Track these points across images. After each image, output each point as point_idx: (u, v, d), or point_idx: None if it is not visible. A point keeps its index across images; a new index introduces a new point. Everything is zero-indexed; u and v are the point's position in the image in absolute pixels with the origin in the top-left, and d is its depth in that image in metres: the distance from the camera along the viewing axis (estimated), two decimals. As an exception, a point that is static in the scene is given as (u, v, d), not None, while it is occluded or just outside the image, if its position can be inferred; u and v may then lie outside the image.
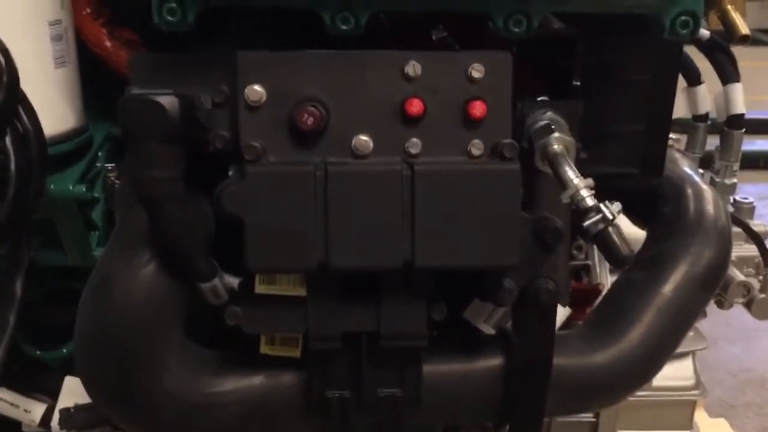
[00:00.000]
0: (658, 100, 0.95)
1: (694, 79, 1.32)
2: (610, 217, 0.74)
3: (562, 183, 0.77)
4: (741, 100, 1.33)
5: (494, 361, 0.91)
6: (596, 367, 0.92)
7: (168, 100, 0.73)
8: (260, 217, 0.76)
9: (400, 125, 0.81)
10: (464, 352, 0.91)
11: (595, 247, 1.39)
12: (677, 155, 1.14)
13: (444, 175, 0.77)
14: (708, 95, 1.35)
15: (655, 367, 0.95)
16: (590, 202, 0.75)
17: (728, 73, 1.31)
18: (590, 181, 0.76)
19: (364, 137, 0.80)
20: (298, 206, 0.76)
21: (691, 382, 1.36)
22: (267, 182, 0.76)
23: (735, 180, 1.38)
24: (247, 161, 0.76)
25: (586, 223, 0.74)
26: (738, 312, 1.33)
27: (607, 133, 0.96)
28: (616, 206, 0.75)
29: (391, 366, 0.86)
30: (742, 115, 1.33)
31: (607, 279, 1.36)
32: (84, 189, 0.92)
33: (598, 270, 1.34)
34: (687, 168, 1.10)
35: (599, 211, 0.74)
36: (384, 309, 0.82)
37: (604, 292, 1.29)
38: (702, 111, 1.36)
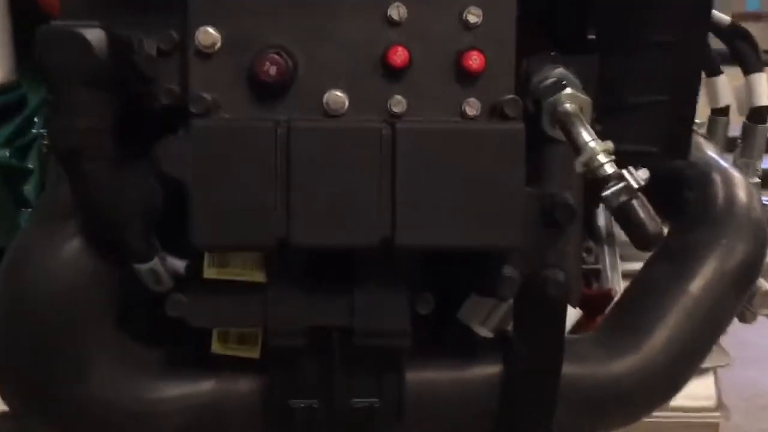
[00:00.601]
0: (685, 65, 0.82)
1: (714, 69, 1.21)
2: (635, 186, 0.61)
3: (576, 147, 0.63)
4: (765, 91, 1.21)
5: (492, 369, 0.77)
6: (613, 378, 0.78)
7: (94, 35, 0.59)
8: (208, 183, 0.62)
9: (381, 79, 0.67)
10: (456, 357, 0.78)
11: (606, 249, 1.27)
12: (700, 139, 1.02)
13: (432, 135, 0.63)
14: (728, 86, 1.24)
15: (683, 378, 0.81)
16: (610, 168, 0.61)
17: (750, 62, 1.19)
18: (609, 145, 0.63)
19: (337, 93, 0.67)
20: (255, 170, 0.62)
21: (712, 402, 1.22)
22: (217, 139, 0.62)
23: (757, 180, 1.25)
24: (194, 115, 0.63)
25: (606, 193, 0.61)
26: (751, 329, 1.21)
27: (624, 105, 0.82)
28: (642, 173, 0.62)
29: (367, 370, 0.72)
30: (767, 107, 1.21)
31: (619, 284, 1.25)
32: (8, 154, 0.78)
33: (609, 274, 1.23)
34: (712, 153, 0.97)
35: (621, 178, 0.61)
36: (358, 299, 0.68)
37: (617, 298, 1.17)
38: (722, 104, 1.25)
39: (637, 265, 1.33)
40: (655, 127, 0.83)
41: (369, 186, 0.63)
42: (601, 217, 1.25)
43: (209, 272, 0.68)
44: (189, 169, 0.62)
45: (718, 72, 1.22)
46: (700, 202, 0.89)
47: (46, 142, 0.80)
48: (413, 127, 0.63)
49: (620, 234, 1.29)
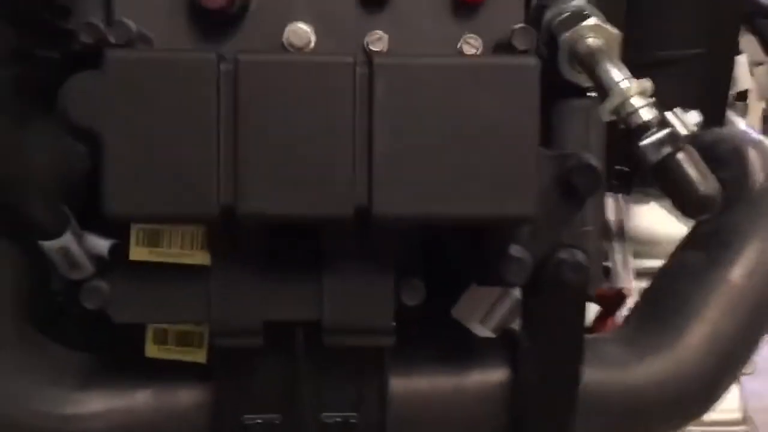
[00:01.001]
0: (722, 15, 0.69)
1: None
2: (683, 134, 0.47)
3: (603, 89, 0.50)
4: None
5: (495, 375, 0.63)
6: (642, 384, 0.63)
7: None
8: (127, 133, 0.48)
9: (356, 11, 0.54)
10: (451, 360, 0.63)
11: (615, 244, 1.15)
12: (730, 114, 0.89)
13: (420, 72, 0.49)
14: (748, 69, 1.12)
15: (724, 383, 0.67)
16: (648, 113, 0.48)
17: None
18: (647, 84, 0.49)
19: (301, 26, 0.53)
20: (191, 117, 0.48)
21: (738, 415, 1.10)
22: (140, 76, 0.48)
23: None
24: (111, 45, 0.49)
25: (644, 143, 0.47)
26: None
27: (653, 61, 0.69)
28: (692, 117, 0.48)
29: (341, 377, 0.58)
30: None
31: (631, 284, 1.12)
32: None
33: (620, 272, 1.11)
34: (743, 125, 0.84)
35: (664, 124, 0.47)
36: (328, 287, 0.54)
37: (632, 299, 1.05)
38: (741, 87, 1.13)
39: (652, 263, 1.20)
40: (689, 87, 0.71)
41: (339, 139, 0.49)
42: (611, 206, 1.13)
43: (137, 253, 0.53)
44: (101, 116, 0.47)
45: (737, 52, 1.11)
46: (736, 179, 0.76)
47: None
48: (396, 62, 0.49)
49: (633, 228, 1.17)
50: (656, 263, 1.24)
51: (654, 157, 0.47)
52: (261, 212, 0.49)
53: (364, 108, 0.49)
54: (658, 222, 1.23)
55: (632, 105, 0.48)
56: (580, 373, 0.60)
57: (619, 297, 1.02)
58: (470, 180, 0.49)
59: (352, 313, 0.55)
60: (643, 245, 1.18)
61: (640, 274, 1.12)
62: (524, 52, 0.51)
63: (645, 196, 1.05)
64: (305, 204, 0.49)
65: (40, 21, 0.53)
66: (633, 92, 0.48)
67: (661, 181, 0.48)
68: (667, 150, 0.47)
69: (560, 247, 0.58)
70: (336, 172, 0.49)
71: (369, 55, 0.53)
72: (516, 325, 0.75)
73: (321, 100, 0.49)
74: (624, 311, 1.00)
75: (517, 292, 0.75)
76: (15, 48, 0.50)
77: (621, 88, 0.49)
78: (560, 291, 0.57)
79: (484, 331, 0.75)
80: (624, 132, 0.50)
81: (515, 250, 0.55)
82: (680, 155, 0.47)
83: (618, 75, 0.49)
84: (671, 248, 1.16)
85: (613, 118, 0.50)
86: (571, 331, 0.59)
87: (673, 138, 0.47)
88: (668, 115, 0.47)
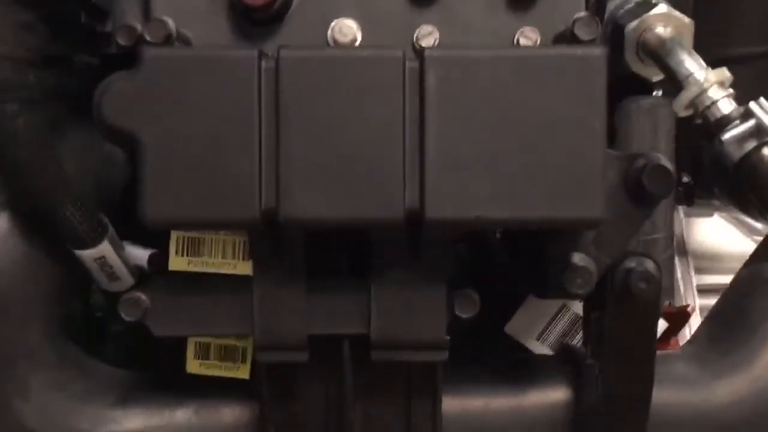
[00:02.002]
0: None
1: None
2: (770, 126, 0.43)
3: (677, 80, 0.46)
4: None
5: (556, 393, 0.58)
6: (719, 403, 0.58)
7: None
8: (164, 134, 0.45)
9: (404, 5, 0.51)
10: (508, 378, 0.59)
11: (675, 260, 1.09)
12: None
13: (476, 65, 0.46)
14: None
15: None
16: (728, 105, 0.44)
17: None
18: (725, 74, 0.45)
19: (347, 21, 0.51)
20: (231, 117, 0.46)
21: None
22: (178, 75, 0.45)
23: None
24: (148, 44, 0.47)
25: (726, 137, 0.43)
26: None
27: (721, 59, 0.65)
28: (779, 108, 0.44)
29: (390, 395, 0.54)
30: None
31: (694, 299, 1.06)
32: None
33: (681, 289, 1.05)
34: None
35: (748, 116, 0.43)
36: (376, 298, 0.51)
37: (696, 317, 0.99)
38: None
39: (713, 279, 1.14)
40: (758, 88, 0.65)
41: (389, 138, 0.46)
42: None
43: (177, 263, 0.51)
44: (138, 117, 0.45)
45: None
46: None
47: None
48: (449, 54, 0.46)
49: (694, 242, 1.11)
50: (719, 279, 1.17)
51: (737, 153, 0.43)
52: (305, 217, 0.46)
53: (414, 105, 0.46)
54: (721, 236, 1.16)
55: (710, 97, 0.44)
56: (651, 392, 0.55)
57: (683, 315, 0.96)
58: (531, 181, 0.45)
59: (403, 327, 0.51)
60: (704, 260, 1.12)
61: (701, 290, 1.06)
62: (589, 42, 0.47)
63: (707, 209, 0.99)
64: (352, 208, 0.46)
65: (77, 24, 0.51)
66: (711, 83, 0.44)
67: (745, 179, 0.43)
68: (751, 144, 0.42)
69: (628, 256, 0.53)
70: (385, 173, 0.46)
71: (419, 50, 0.50)
72: (575, 340, 0.71)
73: (368, 97, 0.46)
74: (687, 330, 0.95)
75: (577, 306, 0.71)
76: (51, 52, 0.49)
77: (697, 79, 0.45)
78: (629, 303, 0.53)
79: (541, 348, 0.70)
80: (700, 128, 0.45)
81: (578, 258, 0.51)
82: (767, 150, 0.42)
83: (693, 65, 0.45)
84: (734, 264, 1.09)
85: (689, 112, 0.45)
86: (641, 347, 0.54)
87: (760, 131, 0.42)
88: (752, 105, 0.43)
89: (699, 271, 1.08)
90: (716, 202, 0.88)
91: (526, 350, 0.70)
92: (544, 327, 0.70)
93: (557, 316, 0.70)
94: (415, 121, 0.46)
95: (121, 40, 0.51)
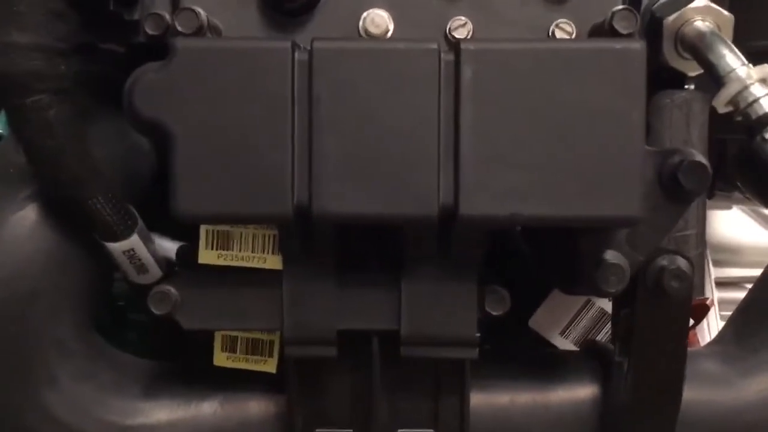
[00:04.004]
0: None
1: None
2: (816, 125, 0.42)
3: (718, 76, 0.45)
4: None
5: (583, 390, 0.58)
6: (750, 402, 0.57)
7: None
8: (196, 127, 0.45)
9: (438, -5, 0.50)
10: (534, 374, 0.59)
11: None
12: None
13: (512, 58, 0.45)
14: None
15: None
16: (771, 102, 0.43)
17: None
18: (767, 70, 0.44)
19: (379, 12, 0.50)
20: (264, 109, 0.45)
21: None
22: (210, 66, 0.45)
23: None
24: (179, 34, 0.46)
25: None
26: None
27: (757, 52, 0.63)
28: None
29: (419, 391, 0.54)
30: None
31: (713, 293, 1.05)
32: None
33: (699, 282, 1.03)
34: None
35: (792, 115, 0.42)
36: (407, 294, 0.50)
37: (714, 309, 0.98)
38: None
39: (733, 272, 1.13)
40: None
41: (423, 132, 0.45)
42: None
43: (207, 256, 0.50)
44: (169, 109, 0.44)
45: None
46: None
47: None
48: (486, 47, 0.45)
49: (712, 234, 1.10)
50: (737, 272, 1.16)
51: (780, 152, 0.42)
52: (338, 212, 0.45)
53: (450, 98, 0.45)
54: (740, 229, 1.15)
55: (753, 94, 0.43)
56: (681, 390, 0.55)
57: (703, 308, 0.95)
58: (568, 177, 0.45)
59: (433, 323, 0.50)
60: (722, 253, 1.10)
61: (719, 283, 1.05)
62: (627, 35, 0.46)
63: (726, 201, 0.98)
64: (385, 203, 0.45)
65: (105, 12, 0.50)
66: (753, 80, 0.43)
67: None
68: (795, 144, 0.42)
69: (660, 253, 0.53)
70: (419, 168, 0.45)
71: (453, 42, 0.49)
72: (600, 336, 0.71)
73: (403, 89, 0.45)
74: (705, 324, 0.94)
75: (601, 301, 0.70)
76: (81, 41, 0.48)
77: (739, 76, 0.44)
78: (661, 301, 0.52)
79: (564, 343, 0.70)
80: (740, 125, 0.45)
81: (612, 255, 0.50)
82: (810, 150, 0.42)
83: (735, 61, 0.44)
84: (753, 257, 1.07)
85: (729, 108, 0.45)
86: (672, 344, 0.53)
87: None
88: (797, 103, 0.42)
89: (717, 263, 1.06)
90: (736, 195, 0.88)
91: (549, 345, 0.70)
92: (568, 322, 0.70)
93: (581, 311, 0.69)
94: (450, 115, 0.45)
95: (150, 29, 0.51)
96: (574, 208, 0.45)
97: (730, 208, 1.05)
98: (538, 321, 0.69)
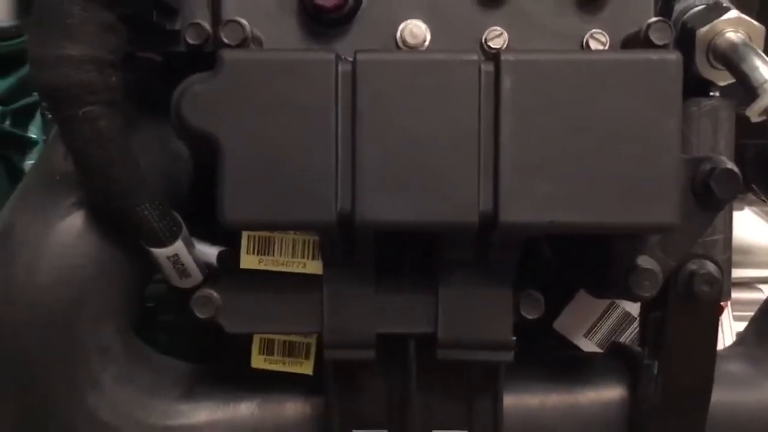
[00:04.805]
0: None
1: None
2: None
3: (751, 87, 0.46)
4: None
5: (612, 392, 0.59)
6: (772, 406, 0.59)
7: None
8: (243, 137, 0.46)
9: (472, 7, 0.51)
10: (563, 376, 0.59)
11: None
12: None
13: (552, 68, 0.46)
14: None
15: None
16: (807, 113, 0.44)
17: None
18: (804, 81, 0.45)
19: (417, 23, 0.51)
20: (308, 119, 0.46)
21: None
22: (256, 77, 0.46)
23: None
24: (225, 45, 0.47)
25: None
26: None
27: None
28: None
29: (453, 393, 0.55)
30: None
31: (729, 294, 1.05)
32: (3, 118, 0.63)
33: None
34: None
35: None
36: (444, 298, 0.51)
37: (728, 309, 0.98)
38: None
39: (745, 273, 1.13)
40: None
41: (464, 141, 0.46)
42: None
43: (248, 261, 0.51)
44: (217, 119, 0.45)
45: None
46: None
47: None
48: (525, 58, 0.46)
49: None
50: (749, 273, 1.16)
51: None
52: (380, 219, 0.46)
53: (489, 108, 0.46)
54: (752, 230, 1.16)
55: (786, 104, 0.44)
56: (710, 393, 0.56)
57: (718, 310, 0.96)
58: (605, 185, 0.46)
59: (469, 327, 0.52)
60: (734, 254, 1.11)
61: (731, 284, 1.05)
62: (663, 47, 0.47)
63: (738, 202, 0.98)
64: (427, 211, 0.46)
65: (149, 23, 0.51)
66: (788, 90, 0.44)
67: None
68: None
69: (690, 258, 0.54)
70: (460, 177, 0.46)
71: (489, 52, 0.50)
72: (623, 337, 0.72)
73: (443, 100, 0.46)
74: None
75: (626, 304, 0.72)
76: (125, 42, 0.49)
77: (774, 86, 0.45)
78: (691, 305, 0.53)
79: (588, 345, 0.71)
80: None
81: (644, 261, 0.51)
82: None
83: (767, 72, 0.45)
84: (765, 257, 1.08)
85: (763, 118, 0.46)
86: (702, 348, 0.55)
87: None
88: (832, 114, 0.43)
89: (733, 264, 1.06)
90: (750, 196, 0.88)
91: (573, 347, 0.71)
92: (592, 324, 0.71)
93: (606, 313, 0.71)
94: (490, 125, 0.46)
95: (191, 39, 0.52)
96: (612, 216, 0.46)
97: (742, 209, 1.06)
98: (563, 323, 0.70)
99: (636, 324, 0.69)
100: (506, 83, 0.46)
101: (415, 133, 0.46)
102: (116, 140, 0.46)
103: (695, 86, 0.56)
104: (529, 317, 0.52)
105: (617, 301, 0.70)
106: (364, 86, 0.46)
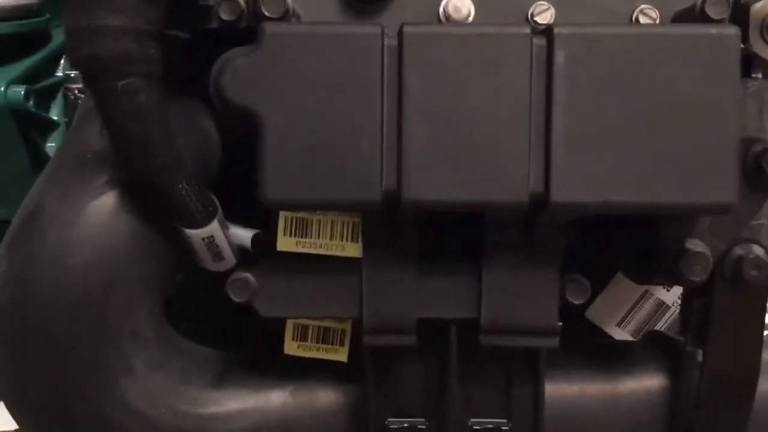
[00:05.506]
0: None
1: None
2: None
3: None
4: None
5: (652, 381, 0.57)
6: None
7: None
8: (285, 113, 0.44)
9: (518, -20, 0.50)
10: (602, 365, 0.58)
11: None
12: None
13: (606, 43, 0.44)
14: None
15: None
16: None
17: None
18: None
19: (461, -3, 0.49)
20: (352, 95, 0.44)
21: None
22: (299, 52, 0.44)
23: None
24: (266, 18, 0.45)
25: None
26: None
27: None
28: None
29: (493, 380, 0.54)
30: None
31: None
32: (26, 97, 0.61)
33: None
34: None
35: None
36: (487, 282, 0.50)
37: None
38: None
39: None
40: None
41: (514, 118, 0.44)
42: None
43: (285, 243, 0.50)
44: (259, 95, 0.44)
45: None
46: None
47: (75, 86, 0.62)
48: (579, 32, 0.44)
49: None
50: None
51: None
52: (427, 199, 0.45)
53: (541, 84, 0.44)
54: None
55: None
56: (756, 381, 0.55)
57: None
58: (661, 163, 0.44)
59: (514, 312, 0.50)
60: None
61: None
62: (719, 21, 0.45)
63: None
64: (475, 190, 0.45)
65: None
66: None
67: None
68: None
69: (737, 242, 0.52)
70: (509, 155, 0.44)
71: (536, 27, 0.49)
72: (656, 326, 0.70)
73: (493, 75, 0.44)
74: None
75: (659, 292, 0.70)
76: (162, 15, 0.47)
77: (835, 62, 0.43)
78: (739, 290, 0.52)
79: (621, 334, 0.69)
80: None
81: (694, 244, 0.50)
82: None
83: (830, 46, 0.44)
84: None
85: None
86: (749, 333, 0.53)
87: None
88: None
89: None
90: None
91: (604, 335, 0.70)
92: (625, 313, 0.69)
93: (639, 301, 0.69)
94: (541, 101, 0.44)
95: (225, 14, 0.50)
96: (668, 195, 0.44)
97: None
98: (596, 311, 0.68)
99: (669, 313, 0.68)
100: (560, 57, 0.44)
101: (463, 110, 0.45)
102: (155, 114, 0.44)
103: (744, 66, 0.55)
104: (575, 302, 0.50)
105: (651, 290, 0.68)
106: (410, 60, 0.44)
